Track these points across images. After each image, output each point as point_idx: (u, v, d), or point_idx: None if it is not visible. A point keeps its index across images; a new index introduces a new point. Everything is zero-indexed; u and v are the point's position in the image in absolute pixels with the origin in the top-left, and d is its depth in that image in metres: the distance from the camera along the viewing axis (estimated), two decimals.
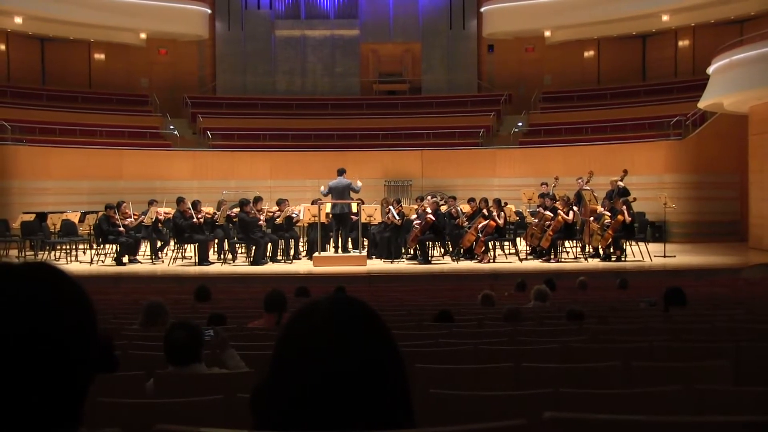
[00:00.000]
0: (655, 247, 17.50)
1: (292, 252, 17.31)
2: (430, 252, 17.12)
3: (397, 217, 16.71)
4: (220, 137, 25.99)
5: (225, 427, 3.30)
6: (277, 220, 16.92)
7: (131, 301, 9.98)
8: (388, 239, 16.99)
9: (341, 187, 16.71)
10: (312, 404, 1.28)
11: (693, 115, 22.37)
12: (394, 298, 10.65)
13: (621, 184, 17.24)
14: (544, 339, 5.83)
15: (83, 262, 17.25)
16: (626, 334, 6.12)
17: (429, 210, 16.38)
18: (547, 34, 27.46)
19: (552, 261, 16.55)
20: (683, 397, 3.64)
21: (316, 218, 16.74)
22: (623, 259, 16.64)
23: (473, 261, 16.74)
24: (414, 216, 16.90)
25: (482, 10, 28.15)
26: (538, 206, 17.59)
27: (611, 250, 16.70)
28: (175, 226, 16.49)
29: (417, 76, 29.64)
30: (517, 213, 18.65)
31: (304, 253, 17.80)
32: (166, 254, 17.43)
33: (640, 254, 16.66)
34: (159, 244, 17.58)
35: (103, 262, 16.86)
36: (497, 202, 17.08)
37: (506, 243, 17.83)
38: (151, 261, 17.12)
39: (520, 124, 26.38)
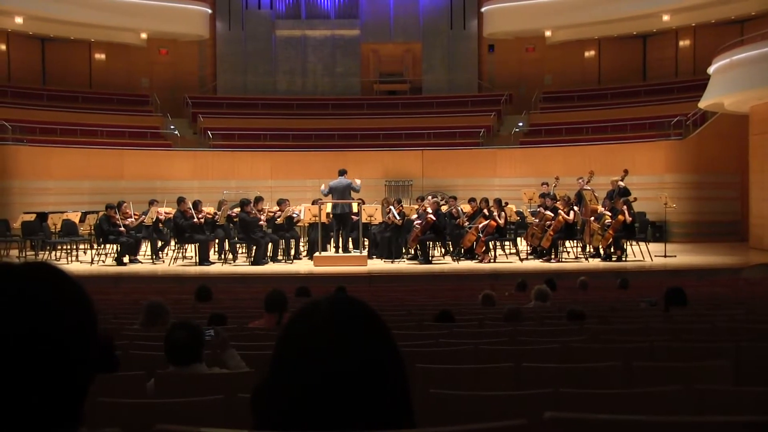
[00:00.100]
0: (655, 247, 17.50)
1: (292, 252, 17.32)
2: (430, 252, 17.12)
3: (398, 217, 16.70)
4: (221, 137, 26.00)
5: (225, 427, 3.30)
6: (278, 220, 16.92)
7: (132, 301, 9.98)
8: (388, 239, 16.99)
9: (342, 187, 16.72)
10: (312, 404, 1.29)
11: (693, 115, 22.36)
12: (394, 298, 10.64)
13: (621, 184, 17.24)
14: (544, 339, 5.83)
15: (84, 262, 17.25)
16: (627, 334, 6.12)
17: (430, 210, 16.38)
18: (548, 34, 27.46)
19: (552, 261, 16.55)
20: (683, 397, 3.64)
21: (317, 218, 16.74)
22: (624, 259, 16.64)
23: (474, 261, 16.74)
24: (414, 216, 16.90)
25: (483, 10, 28.15)
26: (539, 206, 17.58)
27: (612, 250, 16.70)
28: (175, 226, 16.49)
29: (417, 76, 29.64)
30: (518, 213, 18.66)
31: (304, 253, 17.80)
32: (167, 254, 17.43)
33: (641, 254, 16.66)
34: (159, 244, 17.58)
35: (103, 262, 16.86)
36: (498, 202, 17.08)
37: (507, 243, 17.83)
38: (151, 261, 17.12)
39: (520, 124, 26.38)
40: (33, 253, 17.99)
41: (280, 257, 17.10)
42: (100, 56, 28.45)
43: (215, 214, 17.20)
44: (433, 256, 17.26)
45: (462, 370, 4.64)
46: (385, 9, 29.56)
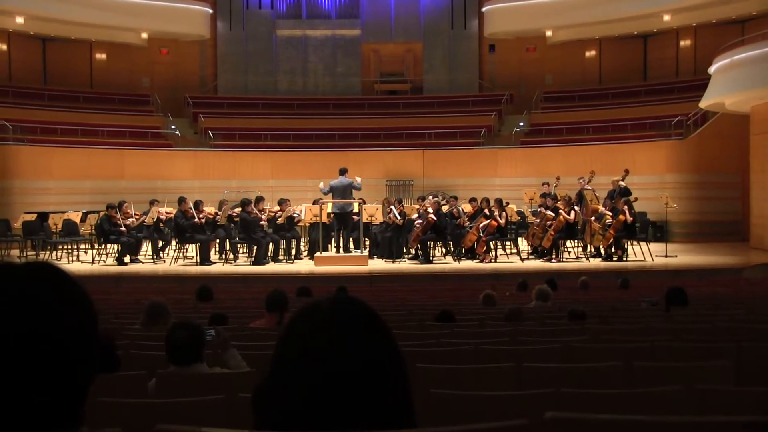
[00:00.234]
0: (656, 247, 17.50)
1: (293, 252, 17.32)
2: (431, 252, 17.12)
3: (399, 217, 16.70)
4: (222, 137, 26.00)
5: (226, 427, 3.30)
6: (279, 220, 16.92)
7: (133, 301, 9.98)
8: (389, 239, 16.99)
9: (343, 187, 16.72)
10: (313, 404, 1.29)
11: (694, 114, 22.36)
12: (395, 298, 10.65)
13: (622, 183, 17.23)
14: (545, 339, 5.83)
15: (85, 262, 17.26)
16: (627, 334, 6.12)
17: (430, 210, 16.37)
18: (549, 33, 27.44)
19: (553, 261, 16.55)
20: (684, 397, 3.64)
21: (318, 218, 16.74)
22: (625, 259, 16.64)
23: (475, 261, 16.74)
24: (415, 216, 16.90)
25: (483, 9, 28.13)
26: (540, 206, 17.58)
27: (613, 250, 16.70)
28: (176, 225, 16.49)
29: (418, 75, 29.64)
30: (519, 213, 18.65)
31: (305, 253, 17.80)
32: (168, 254, 17.44)
33: (642, 254, 16.66)
34: (160, 244, 17.59)
35: (104, 262, 16.87)
36: (499, 201, 17.08)
37: (508, 243, 17.83)
38: (152, 261, 17.13)
39: (521, 123, 26.39)
40: (34, 253, 18.00)
41: (281, 257, 17.10)
42: (101, 56, 28.46)
43: (216, 214, 17.21)
44: (434, 256, 17.26)
45: (463, 370, 4.64)
46: (386, 9, 29.56)
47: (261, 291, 9.89)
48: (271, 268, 16.04)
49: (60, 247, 18.17)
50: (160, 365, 4.35)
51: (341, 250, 17.23)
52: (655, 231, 20.43)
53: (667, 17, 24.79)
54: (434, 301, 10.07)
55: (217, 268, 16.12)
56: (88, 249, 18.67)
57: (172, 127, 26.05)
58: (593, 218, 16.60)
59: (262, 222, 16.58)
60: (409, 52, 29.72)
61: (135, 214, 17.03)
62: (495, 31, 28.01)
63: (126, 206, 16.85)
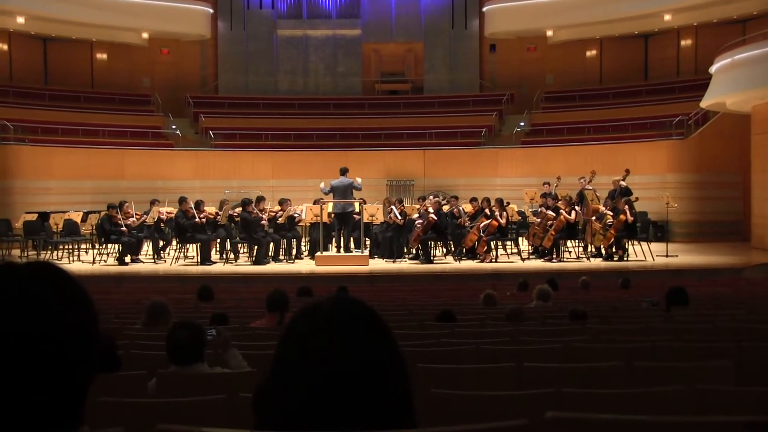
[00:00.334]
0: (657, 247, 17.49)
1: (294, 252, 17.33)
2: (432, 252, 17.12)
3: (399, 217, 16.70)
4: (223, 137, 26.01)
5: (227, 426, 3.30)
6: (280, 219, 16.93)
7: (133, 300, 9.99)
8: (390, 239, 16.99)
9: (343, 187, 16.71)
10: (314, 404, 1.29)
11: (695, 114, 22.35)
12: (396, 298, 10.65)
13: (623, 183, 17.22)
14: (546, 339, 5.83)
15: (85, 261, 17.27)
16: (628, 334, 6.12)
17: (431, 210, 16.37)
18: (549, 33, 27.43)
19: (554, 261, 16.55)
20: (685, 397, 3.64)
21: (318, 218, 16.74)
22: (625, 258, 16.63)
23: (475, 261, 16.74)
24: (416, 216, 16.90)
25: (484, 9, 28.11)
26: (541, 206, 17.58)
27: (613, 249, 16.70)
28: (177, 225, 16.50)
29: (419, 75, 29.64)
30: (520, 213, 18.65)
31: (306, 253, 17.81)
32: (169, 254, 17.44)
33: (643, 254, 16.65)
34: (161, 243, 17.60)
35: (105, 261, 16.88)
36: (499, 201, 17.08)
37: (508, 243, 17.82)
38: (153, 261, 17.13)
39: (522, 123, 26.38)
40: (35, 252, 18.02)
41: (281, 257, 17.11)
42: (101, 56, 28.46)
43: (217, 213, 17.21)
44: (434, 256, 17.26)
45: (463, 370, 4.64)
46: (387, 9, 29.56)
47: (262, 291, 9.89)
48: (272, 267, 16.04)
49: (61, 247, 18.18)
50: (160, 365, 4.35)
51: (342, 249, 17.23)
52: (656, 231, 20.41)
53: (668, 17, 24.78)
54: (435, 301, 10.07)
55: (218, 267, 16.13)
56: (88, 249, 18.67)
57: (173, 127, 26.06)
58: (594, 218, 16.60)
59: (263, 222, 16.58)
60: (410, 51, 29.72)
61: (136, 214, 17.04)
62: (496, 31, 28.00)
63: (127, 206, 16.86)
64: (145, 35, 27.48)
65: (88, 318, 1.25)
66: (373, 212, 17.34)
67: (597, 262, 16.58)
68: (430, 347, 5.48)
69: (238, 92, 28.96)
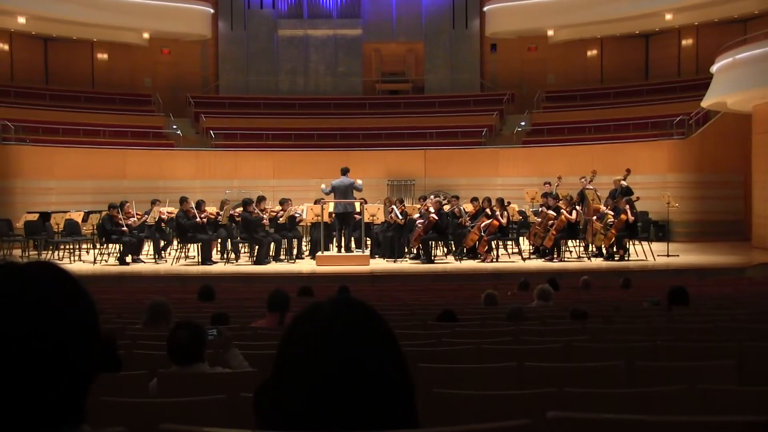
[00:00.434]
0: (658, 247, 17.48)
1: (295, 251, 17.33)
2: (433, 251, 17.11)
3: (400, 217, 16.70)
4: (223, 137, 26.02)
5: (228, 426, 3.30)
6: (280, 219, 16.93)
7: (134, 300, 9.99)
8: (391, 239, 16.99)
9: (344, 187, 16.70)
10: (315, 404, 1.29)
11: (696, 114, 22.34)
12: (397, 298, 10.65)
13: (624, 183, 17.21)
14: (547, 338, 5.83)
15: (86, 261, 17.28)
16: (629, 334, 6.12)
17: (432, 209, 16.37)
18: (550, 33, 27.42)
19: (555, 260, 16.54)
20: (686, 397, 3.64)
21: (319, 218, 16.74)
22: (626, 258, 16.63)
23: (476, 260, 16.74)
24: (417, 215, 16.89)
25: (485, 9, 28.12)
26: (541, 205, 17.58)
27: (614, 249, 16.70)
28: (178, 225, 16.51)
29: (420, 75, 29.64)
30: (520, 212, 18.64)
31: (307, 253, 17.80)
32: (169, 254, 17.45)
33: (644, 254, 16.64)
34: (162, 243, 17.60)
35: (106, 261, 16.89)
36: (500, 201, 17.08)
37: (509, 242, 17.82)
38: (154, 261, 17.14)
39: (523, 123, 26.38)
40: (36, 252, 18.03)
41: (282, 257, 17.11)
42: (102, 56, 28.47)
43: (218, 213, 17.21)
44: (435, 256, 17.26)
45: (465, 370, 4.64)
46: (388, 8, 29.55)
47: (262, 291, 9.88)
48: (273, 267, 16.05)
49: (62, 246, 18.18)
50: (161, 365, 4.35)
51: (343, 249, 17.23)
52: (657, 230, 20.41)
53: (668, 16, 24.77)
54: (436, 300, 10.07)
55: (219, 267, 16.13)
56: (89, 249, 18.66)
57: (174, 126, 26.06)
58: (595, 218, 16.60)
59: (264, 222, 16.59)
60: (411, 51, 29.72)
61: (137, 214, 17.05)
62: (496, 31, 28.00)
63: (128, 206, 16.87)
64: (145, 35, 27.48)
65: (89, 318, 1.25)
66: (374, 212, 17.34)
67: (598, 262, 16.58)
68: (432, 347, 5.48)
69: (239, 92, 28.97)
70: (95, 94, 27.29)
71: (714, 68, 20.65)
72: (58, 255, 18.06)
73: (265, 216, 16.61)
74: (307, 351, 1.33)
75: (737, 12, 23.99)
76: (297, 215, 17.33)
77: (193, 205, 16.40)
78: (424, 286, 13.21)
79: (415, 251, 17.11)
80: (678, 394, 3.68)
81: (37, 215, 18.31)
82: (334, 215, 16.97)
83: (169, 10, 26.66)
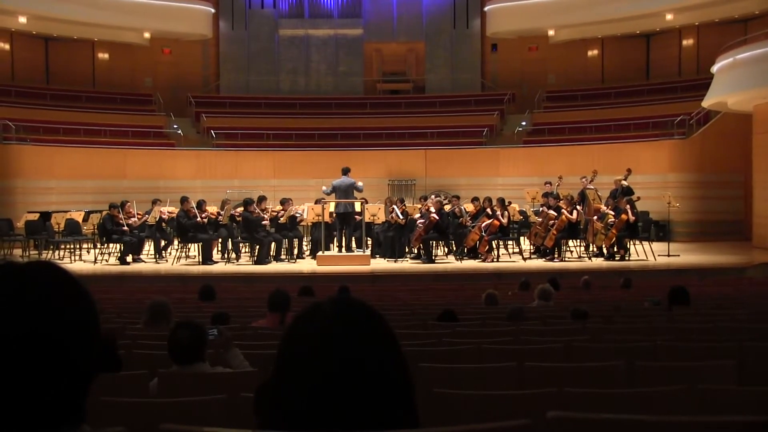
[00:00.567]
0: (658, 247, 17.46)
1: (295, 251, 17.34)
2: (433, 251, 17.11)
3: (401, 217, 16.70)
4: (224, 137, 26.01)
5: (228, 426, 3.30)
6: (281, 219, 16.93)
7: (135, 300, 9.99)
8: (391, 238, 16.99)
9: (345, 186, 16.70)
10: (316, 404, 1.29)
11: (697, 114, 22.33)
12: (397, 298, 10.65)
13: (625, 183, 17.21)
14: (547, 338, 5.83)
15: (87, 261, 17.29)
16: (630, 334, 6.12)
17: (433, 209, 16.37)
18: (551, 33, 27.42)
19: (556, 260, 16.54)
20: (686, 397, 3.64)
21: (320, 217, 16.74)
22: (627, 258, 16.62)
23: (477, 260, 16.74)
24: (418, 215, 16.90)
25: (486, 9, 28.12)
26: (542, 205, 17.58)
27: (615, 249, 16.69)
28: (178, 225, 16.51)
29: (420, 75, 29.64)
30: (521, 212, 18.64)
31: (307, 253, 17.81)
32: (170, 254, 17.45)
33: (644, 253, 16.64)
34: (163, 243, 17.60)
35: (106, 261, 16.90)
36: (501, 201, 17.08)
37: (510, 242, 17.81)
38: (154, 260, 17.14)
39: (523, 123, 26.38)
40: (36, 252, 18.03)
41: (283, 256, 17.10)
42: (103, 56, 28.47)
43: (218, 213, 17.21)
44: (436, 256, 17.26)
45: (465, 370, 4.64)
46: (388, 8, 29.55)
47: (263, 290, 9.88)
48: (274, 267, 16.05)
49: (62, 246, 18.19)
50: (162, 365, 4.35)
51: (343, 249, 17.23)
52: (658, 230, 20.40)
53: (669, 16, 24.76)
54: (436, 300, 10.07)
55: (220, 267, 16.14)
56: (90, 248, 18.66)
57: (175, 126, 26.06)
58: (595, 218, 16.59)
59: (265, 222, 16.59)
60: (412, 51, 29.72)
61: (137, 214, 17.05)
62: (497, 31, 28.00)
63: (128, 206, 16.87)
64: (146, 35, 27.48)
65: (89, 318, 1.25)
66: (374, 212, 17.34)
67: (598, 262, 16.58)
68: (432, 347, 5.48)
69: (240, 92, 28.97)
70: (96, 94, 27.30)
71: (715, 68, 20.64)
72: (59, 255, 18.07)
73: (265, 216, 16.62)
74: (307, 351, 1.33)
75: (738, 12, 23.99)
76: (298, 215, 17.34)
77: (194, 205, 16.41)
78: (424, 285, 13.21)
79: (415, 251, 17.10)
80: (678, 394, 3.68)
81: (37, 215, 18.32)
82: (334, 215, 16.97)
83: (170, 9, 26.66)
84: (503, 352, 5.23)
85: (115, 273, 15.44)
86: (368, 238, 17.47)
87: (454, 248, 17.57)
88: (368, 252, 16.85)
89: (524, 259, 17.01)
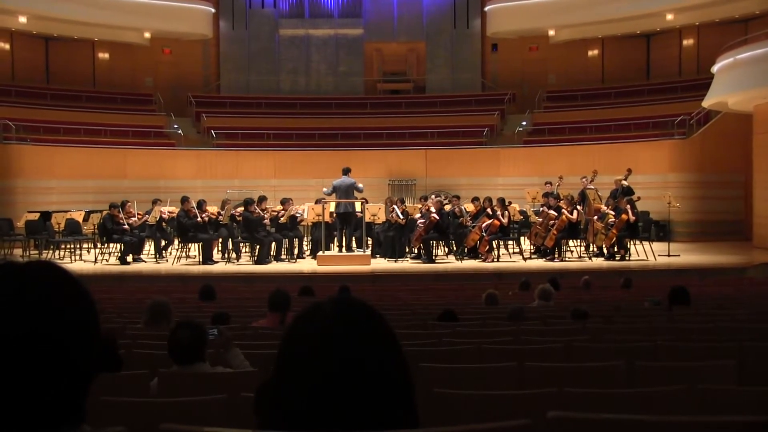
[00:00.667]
0: (659, 247, 17.46)
1: (296, 251, 17.34)
2: (434, 251, 17.11)
3: (401, 217, 16.70)
4: (224, 136, 26.01)
5: (229, 426, 3.30)
6: (281, 219, 16.93)
7: (135, 300, 9.99)
8: (392, 238, 16.99)
9: (346, 186, 16.71)
10: (316, 404, 1.29)
11: (697, 114, 22.33)
12: (398, 298, 10.65)
13: (625, 183, 17.22)
14: (547, 338, 5.83)
15: (87, 261, 17.29)
16: (630, 334, 6.12)
17: (433, 209, 16.37)
18: (551, 33, 27.42)
19: (556, 260, 16.54)
20: (687, 397, 3.64)
21: (320, 217, 16.75)
22: (627, 258, 16.62)
23: (477, 260, 16.74)
24: (418, 215, 16.90)
25: (486, 9, 28.12)
26: (542, 205, 17.59)
27: (615, 249, 16.69)
28: (179, 225, 16.51)
29: (421, 75, 29.64)
30: (521, 212, 18.64)
31: (308, 253, 17.81)
32: (170, 253, 17.45)
33: (644, 253, 16.64)
34: (163, 243, 17.60)
35: (107, 261, 16.90)
36: (501, 201, 17.08)
37: (510, 242, 17.81)
38: (155, 260, 17.14)
39: (524, 123, 26.37)
40: (37, 252, 18.03)
41: (283, 256, 17.10)
42: (103, 55, 28.47)
43: (219, 213, 17.22)
44: (436, 256, 17.25)
45: (465, 370, 4.64)
46: (389, 8, 29.55)
47: (263, 290, 9.89)
48: (274, 267, 16.05)
49: (63, 246, 18.19)
50: (162, 364, 4.35)
51: (344, 249, 17.23)
52: (658, 230, 20.40)
53: (670, 16, 24.76)
54: (437, 300, 10.07)
55: (220, 267, 16.14)
56: (90, 248, 18.66)
57: (175, 126, 26.06)
58: (596, 217, 16.60)
59: (265, 221, 16.59)
60: (412, 51, 29.71)
61: (138, 214, 17.05)
62: (498, 31, 28.00)
63: (129, 205, 16.87)
64: (147, 35, 27.49)
65: (89, 317, 1.25)
66: (375, 212, 17.34)
67: (599, 262, 16.57)
68: (432, 347, 5.49)
69: (240, 92, 28.97)
70: (96, 94, 27.29)
71: (715, 68, 20.64)
72: (59, 254, 18.07)
73: (266, 216, 16.62)
74: (307, 351, 1.33)
75: (738, 12, 23.98)
76: (298, 215, 17.34)
77: (194, 205, 16.41)
78: (424, 285, 13.21)
79: (416, 251, 17.10)
80: (678, 394, 3.68)
81: (38, 215, 18.32)
82: (335, 215, 16.97)
83: (170, 9, 26.66)
84: (503, 352, 5.23)
85: (115, 273, 15.44)
86: (368, 238, 17.47)
87: (455, 248, 17.57)
88: (368, 252, 16.85)
89: (524, 259, 17.00)
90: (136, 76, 28.79)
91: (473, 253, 17.04)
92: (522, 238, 18.38)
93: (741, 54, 19.57)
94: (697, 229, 21.35)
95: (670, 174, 21.87)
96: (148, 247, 17.79)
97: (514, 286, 11.33)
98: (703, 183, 21.60)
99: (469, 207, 17.71)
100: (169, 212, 17.63)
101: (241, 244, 17.25)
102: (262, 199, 17.03)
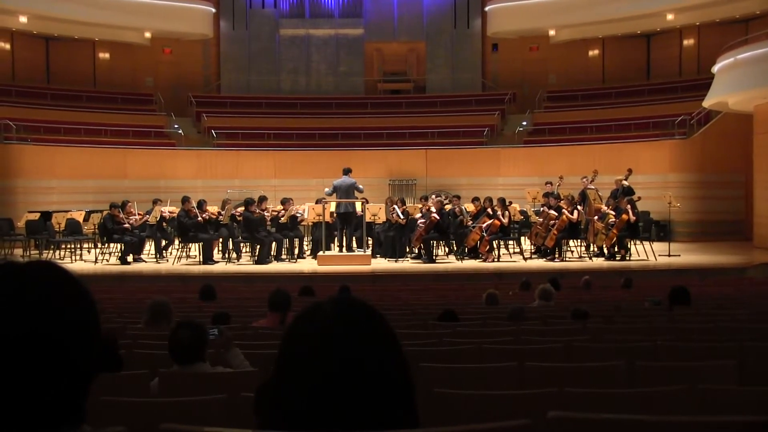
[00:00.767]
0: (659, 247, 17.47)
1: (296, 251, 17.33)
2: (434, 251, 17.11)
3: (402, 217, 16.70)
4: (225, 136, 26.02)
5: (229, 426, 3.30)
6: (282, 219, 16.93)
7: (136, 300, 9.99)
8: (392, 238, 16.99)
9: (346, 186, 16.71)
10: (316, 404, 1.29)
11: (698, 114, 22.32)
12: (398, 298, 10.65)
13: (625, 183, 17.22)
14: (548, 338, 5.83)
15: (88, 261, 17.29)
16: (630, 334, 6.12)
17: (433, 209, 16.37)
18: (552, 33, 27.41)
19: (556, 260, 16.54)
20: (687, 397, 3.64)
21: (321, 217, 16.75)
22: (628, 258, 16.62)
23: (477, 260, 16.74)
24: (418, 215, 16.90)
25: (486, 9, 28.12)
26: (543, 205, 17.59)
27: (616, 249, 16.69)
28: (179, 225, 16.52)
29: (421, 75, 29.63)
30: (522, 212, 18.64)
31: (308, 252, 17.80)
32: (171, 253, 17.45)
33: (645, 253, 16.64)
34: (163, 243, 17.61)
35: (107, 261, 16.90)
36: (501, 201, 17.08)
37: (511, 242, 17.81)
38: (155, 260, 17.14)
39: (524, 123, 26.37)
40: (37, 252, 18.03)
41: (283, 256, 17.10)
42: (104, 55, 28.47)
43: (219, 213, 17.22)
44: (436, 256, 17.25)
45: (466, 370, 4.64)
46: (389, 8, 29.54)
47: (264, 290, 9.89)
48: (274, 267, 16.05)
49: (63, 246, 18.19)
50: (162, 364, 4.36)
51: (344, 249, 17.23)
52: (659, 230, 20.41)
53: (670, 16, 24.76)
54: (437, 300, 10.07)
55: (220, 267, 16.14)
56: (91, 248, 18.66)
57: (175, 126, 26.06)
58: (596, 217, 16.60)
59: (266, 221, 16.59)
60: (412, 51, 29.71)
61: (138, 214, 17.05)
62: (498, 31, 28.00)
63: (129, 205, 16.88)
64: (147, 35, 27.48)
65: (90, 318, 1.25)
66: (375, 212, 17.33)
67: (599, 262, 16.57)
68: (433, 347, 5.49)
69: (241, 92, 28.97)
70: (97, 94, 27.30)
71: (715, 68, 20.64)
72: (60, 254, 18.08)
73: (266, 215, 16.62)
74: (307, 351, 1.33)
75: (739, 12, 23.98)
76: (298, 215, 17.34)
77: (195, 205, 16.41)
78: (425, 285, 13.21)
79: (416, 251, 17.10)
80: (679, 394, 3.68)
81: (38, 215, 18.32)
82: (335, 215, 16.97)
83: (170, 9, 26.67)
84: (504, 352, 5.23)
85: (115, 273, 15.45)
86: (369, 238, 17.47)
87: (455, 248, 17.57)
88: (369, 252, 16.85)
89: (525, 259, 17.00)
90: (136, 76, 28.80)
91: (474, 253, 17.04)
92: (522, 238, 18.37)
93: (741, 54, 19.57)
94: (698, 229, 21.35)
95: (670, 174, 21.86)
96: (149, 247, 17.79)
97: (515, 286, 11.33)
98: (704, 183, 21.60)
99: (470, 207, 17.71)
100: (170, 212, 17.63)
101: (242, 244, 17.25)
102: (263, 199, 17.03)
